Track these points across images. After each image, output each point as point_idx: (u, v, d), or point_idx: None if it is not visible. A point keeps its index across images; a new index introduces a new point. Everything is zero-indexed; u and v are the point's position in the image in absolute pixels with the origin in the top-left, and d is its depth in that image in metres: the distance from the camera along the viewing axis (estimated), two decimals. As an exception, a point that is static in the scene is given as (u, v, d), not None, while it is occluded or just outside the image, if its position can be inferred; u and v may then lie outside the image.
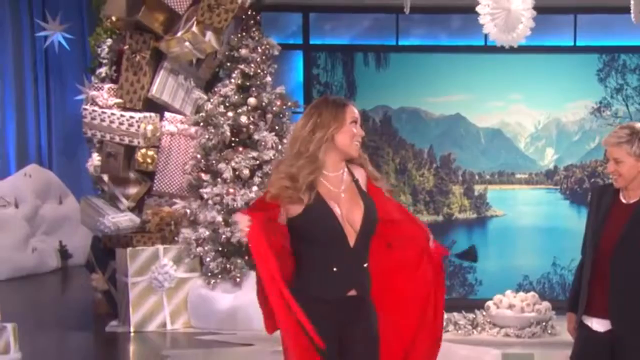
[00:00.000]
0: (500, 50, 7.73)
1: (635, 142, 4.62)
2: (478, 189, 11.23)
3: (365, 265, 4.26)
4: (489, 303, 9.19)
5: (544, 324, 8.96)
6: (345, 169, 4.35)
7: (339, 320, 4.22)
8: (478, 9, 7.34)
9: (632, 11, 7.21)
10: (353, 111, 4.33)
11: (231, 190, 9.26)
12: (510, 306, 9.06)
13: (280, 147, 9.48)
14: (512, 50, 7.67)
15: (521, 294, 9.25)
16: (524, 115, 11.24)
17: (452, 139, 11.27)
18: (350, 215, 4.22)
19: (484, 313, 9.16)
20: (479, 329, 9.01)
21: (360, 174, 4.40)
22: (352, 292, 4.24)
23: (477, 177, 11.25)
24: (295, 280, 4.23)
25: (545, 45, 10.64)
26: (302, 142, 4.22)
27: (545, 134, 11.26)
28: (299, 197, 4.15)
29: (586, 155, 11.17)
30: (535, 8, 7.58)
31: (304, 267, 4.24)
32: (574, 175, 11.16)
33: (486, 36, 7.54)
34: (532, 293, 9.32)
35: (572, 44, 10.95)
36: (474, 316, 9.15)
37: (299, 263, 4.27)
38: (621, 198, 4.72)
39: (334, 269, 4.17)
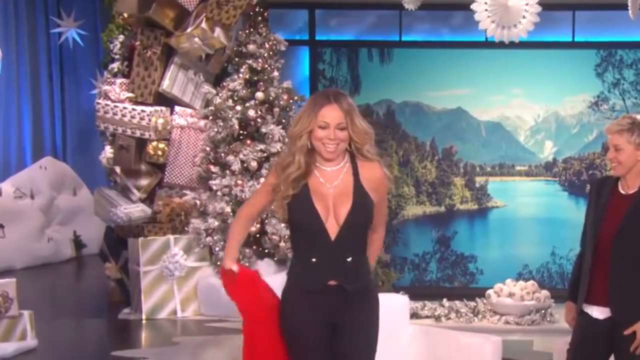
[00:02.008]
0: (501, 45, 7.67)
1: (636, 131, 4.62)
2: (479, 180, 11.21)
3: (349, 259, 4.16)
4: (490, 291, 9.17)
5: (543, 311, 8.93)
6: (349, 164, 4.22)
7: (327, 310, 4.17)
8: (473, 6, 7.28)
9: (629, 8, 7.16)
10: (326, 114, 4.12)
11: (239, 182, 9.24)
12: (511, 294, 9.04)
13: (287, 140, 9.44)
14: (512, 45, 7.61)
15: (521, 283, 9.22)
16: (524, 109, 11.22)
17: (454, 132, 11.25)
18: (336, 209, 4.14)
19: (485, 301, 9.13)
20: (480, 316, 8.99)
21: (367, 169, 4.23)
22: (332, 282, 4.17)
23: (478, 169, 11.22)
24: (289, 269, 4.31)
25: (544, 41, 10.61)
26: (289, 137, 4.25)
27: (544, 127, 11.23)
28: (287, 194, 4.16)
29: (584, 148, 11.14)
30: (536, 4, 7.54)
31: (294, 255, 4.33)
32: (572, 167, 11.13)
33: (486, 32, 7.49)
34: (531, 282, 9.29)
35: (570, 39, 10.93)
36: (475, 304, 9.12)
37: (292, 252, 4.37)
38: (620, 189, 4.69)
39: (313, 260, 4.15)
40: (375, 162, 4.24)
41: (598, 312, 4.66)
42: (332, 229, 4.13)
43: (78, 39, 14.45)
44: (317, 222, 4.13)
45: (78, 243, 13.71)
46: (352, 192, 4.16)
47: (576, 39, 10.92)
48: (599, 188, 4.78)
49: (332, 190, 4.17)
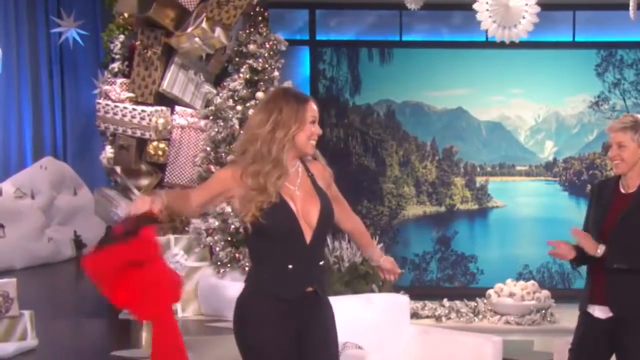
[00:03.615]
0: (501, 45, 7.69)
1: (639, 129, 4.65)
2: (479, 180, 11.21)
3: (321, 262, 4.03)
4: (490, 291, 9.18)
5: (543, 311, 8.94)
6: (300, 164, 4.06)
7: (298, 318, 3.96)
8: (475, 6, 7.29)
9: (630, 8, 7.17)
10: (313, 109, 3.99)
11: (240, 182, 9.24)
12: (511, 294, 9.04)
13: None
14: (512, 45, 7.63)
15: (521, 283, 9.23)
16: (524, 109, 11.23)
17: (454, 131, 11.26)
18: (306, 211, 3.95)
19: (485, 301, 9.14)
20: (481, 316, 9.00)
21: (316, 168, 4.09)
22: (309, 289, 3.98)
23: (478, 169, 11.23)
24: (252, 277, 4.02)
25: (545, 41, 10.62)
26: (263, 141, 3.90)
27: (544, 127, 11.23)
28: (270, 200, 3.89)
29: (584, 148, 11.15)
30: (536, 4, 7.55)
31: (261, 264, 4.01)
32: (572, 167, 11.14)
33: (487, 32, 7.49)
34: (532, 282, 9.30)
35: (571, 39, 10.93)
36: (476, 304, 9.13)
37: (255, 259, 4.05)
38: (620, 188, 4.72)
39: (289, 267, 3.92)
40: (317, 159, 4.12)
41: (600, 312, 4.67)
42: (307, 233, 3.95)
43: (78, 39, 14.43)
44: (295, 227, 3.93)
45: (78, 243, 13.70)
46: (315, 193, 4.02)
47: (576, 39, 10.92)
48: (600, 189, 4.82)
49: (298, 192, 3.98)
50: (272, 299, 3.93)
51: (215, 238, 9.25)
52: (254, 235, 3.97)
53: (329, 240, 9.31)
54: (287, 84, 9.68)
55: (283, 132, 3.91)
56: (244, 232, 4.10)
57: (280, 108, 3.93)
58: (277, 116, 3.92)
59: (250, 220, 3.90)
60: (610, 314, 4.63)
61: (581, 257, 4.73)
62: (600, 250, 4.57)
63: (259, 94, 9.49)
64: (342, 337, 4.34)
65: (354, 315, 5.57)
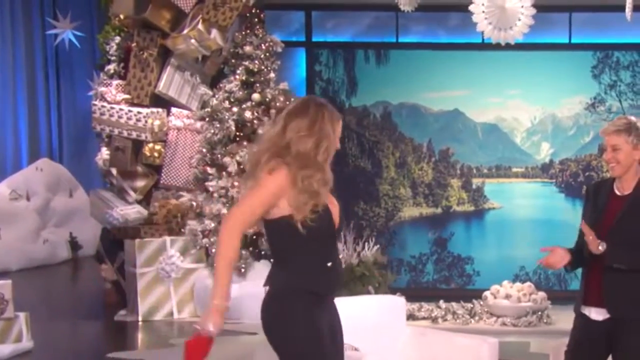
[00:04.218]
0: (498, 47, 7.70)
1: (633, 131, 4.66)
2: (476, 182, 11.22)
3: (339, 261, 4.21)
4: (487, 293, 9.18)
5: (539, 313, 8.95)
6: None
7: (328, 313, 4.10)
8: (471, 7, 7.30)
9: (626, 9, 7.18)
10: (340, 120, 4.18)
11: (236, 184, 9.25)
12: (507, 296, 9.05)
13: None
14: (508, 47, 7.64)
15: (518, 284, 9.24)
16: (521, 111, 11.24)
17: (451, 133, 11.27)
18: (334, 214, 4.11)
19: (482, 303, 9.15)
20: (477, 318, 9.01)
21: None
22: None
23: (474, 171, 11.24)
24: (286, 275, 4.04)
25: (541, 43, 10.63)
26: (311, 148, 4.03)
27: (541, 128, 11.25)
28: (324, 203, 4.03)
29: (581, 150, 11.16)
30: (531, 6, 7.56)
31: (296, 262, 4.04)
32: (569, 169, 11.15)
33: (483, 34, 7.51)
34: (528, 283, 9.31)
35: (567, 41, 10.95)
36: (472, 306, 9.14)
37: (288, 258, 4.05)
38: (616, 191, 4.73)
39: (329, 264, 4.05)
40: None
41: (596, 314, 4.67)
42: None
43: (74, 40, 14.43)
44: (333, 226, 4.08)
45: (74, 245, 13.69)
46: (332, 197, 4.14)
47: (573, 41, 10.94)
48: (596, 191, 4.81)
49: (323, 194, 4.09)
50: (313, 296, 4.01)
51: (212, 240, 9.25)
52: (287, 236, 4.01)
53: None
54: (283, 85, 9.69)
55: (326, 142, 4.06)
56: (263, 232, 4.08)
57: (324, 119, 4.07)
58: (320, 126, 4.05)
59: (301, 221, 3.96)
60: (607, 316, 4.63)
61: (576, 259, 4.73)
62: (602, 247, 4.57)
63: (255, 96, 9.49)
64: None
65: (351, 317, 5.56)
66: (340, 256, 8.99)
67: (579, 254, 4.71)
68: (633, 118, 4.77)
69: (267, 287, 4.07)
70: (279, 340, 4.02)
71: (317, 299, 4.03)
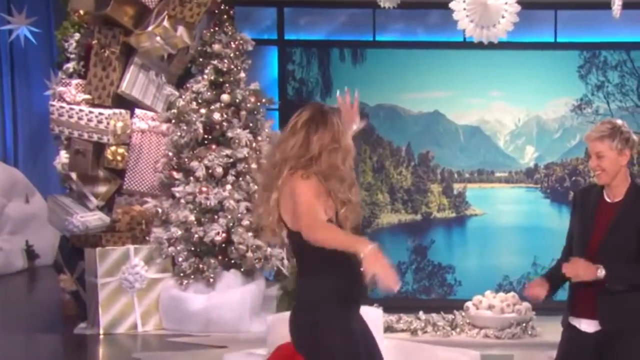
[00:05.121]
0: (480, 46, 7.78)
1: (617, 136, 4.68)
2: (457, 187, 11.30)
3: None
4: (468, 304, 9.26)
5: (524, 324, 9.03)
6: None
7: (362, 326, 4.38)
8: (452, 5, 7.37)
9: (615, 6, 7.28)
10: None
11: (204, 189, 9.28)
12: (490, 307, 9.13)
13: (254, 144, 9.51)
14: (491, 46, 7.72)
15: (501, 295, 9.32)
16: (504, 113, 11.33)
17: (431, 136, 11.34)
18: None
19: (463, 314, 9.23)
20: (458, 330, 9.08)
21: None
22: None
23: (456, 176, 11.32)
24: (322, 284, 4.24)
25: (525, 42, 10.72)
26: (340, 162, 4.29)
27: (525, 131, 11.35)
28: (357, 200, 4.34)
29: (567, 153, 11.26)
30: (516, 3, 7.64)
31: (332, 271, 4.24)
32: (554, 173, 11.25)
33: (464, 32, 7.58)
34: (512, 293, 9.39)
35: (552, 40, 11.05)
36: (453, 317, 9.21)
37: (323, 267, 4.24)
38: (605, 197, 4.77)
39: (362, 268, 4.14)
40: None
41: (586, 325, 4.73)
42: None
43: (30, 37, 14.39)
44: (359, 232, 4.40)
45: (30, 253, 13.65)
46: None
47: (558, 40, 11.04)
48: (584, 197, 4.84)
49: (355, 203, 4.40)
50: (346, 303, 4.25)
51: (178, 248, 9.28)
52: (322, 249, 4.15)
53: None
54: (254, 85, 9.75)
55: (351, 152, 4.36)
56: (299, 243, 4.30)
57: (339, 129, 4.34)
58: (342, 135, 4.32)
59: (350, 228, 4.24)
60: (598, 328, 4.68)
61: (555, 283, 4.80)
62: (600, 273, 4.58)
63: (224, 97, 9.54)
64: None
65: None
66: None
67: (556, 279, 4.78)
68: (618, 121, 4.79)
69: (296, 301, 4.33)
70: (315, 353, 4.22)
71: (350, 307, 4.26)
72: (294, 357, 4.42)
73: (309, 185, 4.19)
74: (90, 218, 9.54)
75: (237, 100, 9.57)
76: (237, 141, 9.43)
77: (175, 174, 9.46)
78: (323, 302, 4.20)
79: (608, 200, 4.76)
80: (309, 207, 4.16)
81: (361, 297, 4.33)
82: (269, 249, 9.34)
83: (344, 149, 4.29)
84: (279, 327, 5.67)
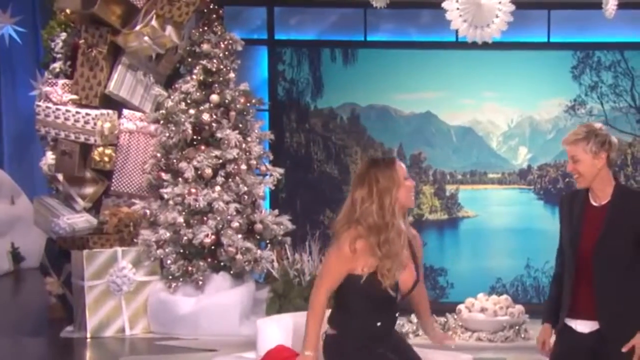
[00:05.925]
0: (472, 46, 7.80)
1: (592, 139, 4.71)
2: (449, 189, 11.34)
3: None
4: (461, 306, 9.29)
5: (517, 327, 9.06)
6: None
7: (392, 344, 4.78)
8: (445, 4, 7.39)
9: (609, 5, 7.31)
10: (402, 167, 4.65)
11: (193, 190, 9.30)
12: (483, 310, 9.16)
13: (244, 145, 9.53)
14: (484, 46, 7.74)
15: (494, 297, 9.35)
16: (497, 113, 11.37)
17: (423, 137, 11.37)
18: (404, 279, 4.65)
19: (456, 317, 9.25)
20: (451, 333, 9.10)
21: (411, 233, 4.80)
22: None
23: (448, 177, 11.35)
24: (345, 320, 4.65)
25: (518, 42, 10.75)
26: (376, 214, 4.50)
27: (518, 132, 11.38)
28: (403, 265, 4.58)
29: (560, 155, 11.28)
30: (510, 2, 7.66)
31: (353, 313, 4.65)
32: (547, 174, 11.29)
33: (457, 32, 7.61)
34: (505, 296, 9.43)
35: (546, 40, 11.08)
36: (446, 320, 9.24)
37: (347, 307, 4.65)
38: (591, 201, 4.79)
39: (378, 324, 4.63)
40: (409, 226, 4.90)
41: (583, 326, 4.76)
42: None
43: (15, 36, 14.39)
44: (386, 292, 4.62)
45: (16, 256, 13.63)
46: (411, 260, 4.77)
47: (552, 40, 11.08)
48: (570, 202, 4.87)
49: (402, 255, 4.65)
50: (365, 339, 4.65)
51: (167, 250, 9.30)
52: (347, 286, 4.60)
53: (289, 254, 9.40)
54: (244, 86, 9.77)
55: (388, 198, 4.52)
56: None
57: (377, 178, 4.55)
58: (374, 186, 4.54)
59: (390, 285, 4.53)
60: (594, 328, 4.71)
61: (555, 316, 4.89)
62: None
63: (214, 97, 9.56)
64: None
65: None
66: (309, 271, 9.12)
67: (552, 314, 4.91)
68: (596, 125, 4.82)
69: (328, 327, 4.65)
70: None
71: (370, 342, 4.60)
72: None
73: (336, 254, 4.66)
74: (77, 220, 9.54)
75: (227, 101, 9.59)
76: (226, 142, 9.44)
77: (164, 175, 9.48)
78: (344, 334, 4.62)
79: (594, 204, 4.78)
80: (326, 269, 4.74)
81: (374, 342, 4.62)
82: (258, 252, 9.36)
83: (379, 200, 4.53)
84: (268, 330, 5.69)
